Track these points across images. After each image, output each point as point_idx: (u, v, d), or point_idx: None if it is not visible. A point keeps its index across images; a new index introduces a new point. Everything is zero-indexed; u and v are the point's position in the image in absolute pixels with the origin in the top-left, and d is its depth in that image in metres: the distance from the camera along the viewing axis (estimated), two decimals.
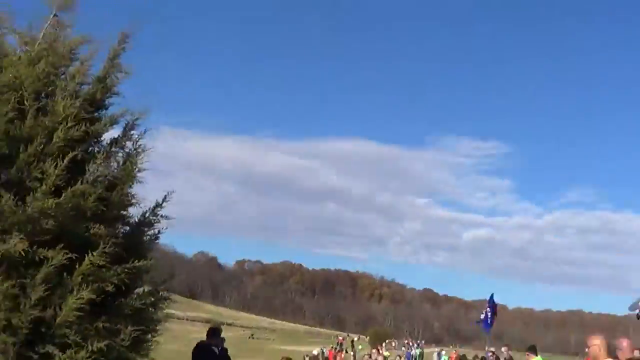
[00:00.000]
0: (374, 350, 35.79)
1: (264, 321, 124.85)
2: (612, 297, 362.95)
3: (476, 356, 28.15)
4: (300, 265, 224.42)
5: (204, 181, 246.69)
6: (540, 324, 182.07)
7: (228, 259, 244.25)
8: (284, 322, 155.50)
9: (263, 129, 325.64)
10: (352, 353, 58.65)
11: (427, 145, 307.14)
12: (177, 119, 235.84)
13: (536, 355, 12.47)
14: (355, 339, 79.50)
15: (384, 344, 60.16)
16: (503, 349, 17.63)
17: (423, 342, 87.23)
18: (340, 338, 73.49)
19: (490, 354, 16.49)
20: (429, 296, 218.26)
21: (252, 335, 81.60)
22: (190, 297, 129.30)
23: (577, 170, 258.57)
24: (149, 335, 5.52)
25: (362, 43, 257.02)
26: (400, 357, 40.43)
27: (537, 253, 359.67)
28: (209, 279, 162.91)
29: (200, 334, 14.87)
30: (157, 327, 5.60)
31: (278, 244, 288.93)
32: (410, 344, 71.27)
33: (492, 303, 16.96)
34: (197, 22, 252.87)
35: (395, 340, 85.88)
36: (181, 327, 57.83)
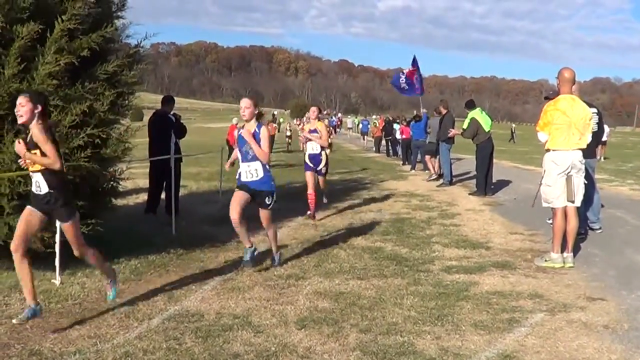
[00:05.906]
0: (299, 122, 36.97)
1: (184, 102, 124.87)
2: (525, 63, 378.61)
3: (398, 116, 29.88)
4: (215, 44, 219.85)
5: None
6: (455, 90, 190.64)
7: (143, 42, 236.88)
8: (203, 102, 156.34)
9: None
10: (275, 125, 60.34)
11: None
12: None
13: (472, 109, 11.98)
14: (276, 112, 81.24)
15: (304, 117, 61.84)
16: (423, 110, 18.27)
17: (341, 111, 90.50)
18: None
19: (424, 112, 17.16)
20: (345, 67, 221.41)
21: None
22: None
23: None
24: (127, 100, 5.86)
25: None
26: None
27: (453, 21, 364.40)
28: None
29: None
30: (134, 91, 5.91)
31: (191, 24, 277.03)
32: (329, 113, 73.76)
33: (416, 65, 16.89)
34: None
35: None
36: None
